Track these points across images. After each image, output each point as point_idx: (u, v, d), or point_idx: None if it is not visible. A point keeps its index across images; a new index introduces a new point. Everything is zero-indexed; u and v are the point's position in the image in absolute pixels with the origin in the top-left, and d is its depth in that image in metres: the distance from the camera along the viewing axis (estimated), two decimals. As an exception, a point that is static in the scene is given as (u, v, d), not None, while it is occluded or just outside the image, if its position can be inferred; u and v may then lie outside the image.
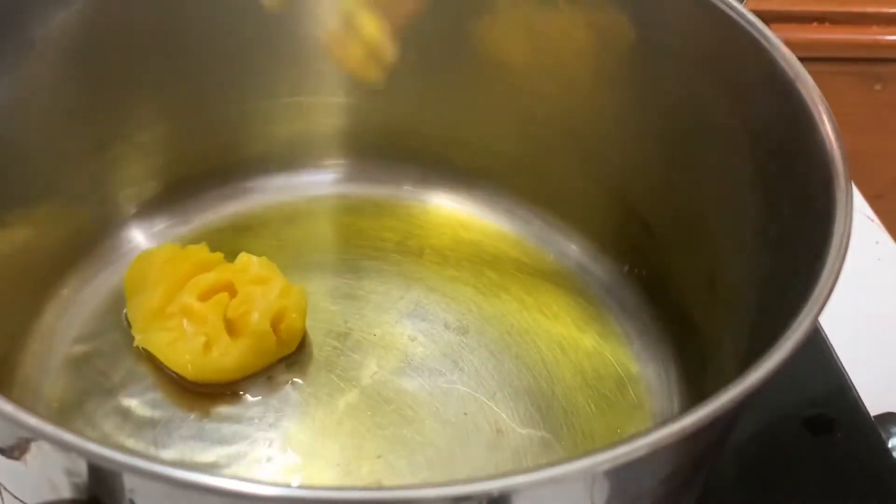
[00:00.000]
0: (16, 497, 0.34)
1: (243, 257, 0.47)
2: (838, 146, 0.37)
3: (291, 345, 0.46)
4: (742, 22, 0.42)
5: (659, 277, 0.49)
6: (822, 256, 0.34)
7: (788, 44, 0.41)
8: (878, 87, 0.85)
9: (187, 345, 0.44)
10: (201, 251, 0.48)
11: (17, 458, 0.31)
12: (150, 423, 0.44)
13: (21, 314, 0.46)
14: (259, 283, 0.46)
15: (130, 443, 0.43)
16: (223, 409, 0.45)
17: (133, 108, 0.49)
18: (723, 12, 0.42)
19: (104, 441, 0.29)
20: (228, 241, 0.52)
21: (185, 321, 0.45)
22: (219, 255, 0.48)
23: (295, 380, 0.46)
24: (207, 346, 0.44)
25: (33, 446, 0.30)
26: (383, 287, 0.51)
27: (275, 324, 0.45)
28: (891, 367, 0.52)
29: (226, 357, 0.44)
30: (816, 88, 0.39)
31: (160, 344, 0.45)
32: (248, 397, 0.45)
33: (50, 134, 0.46)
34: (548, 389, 0.47)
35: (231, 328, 0.45)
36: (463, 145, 0.54)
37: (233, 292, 0.46)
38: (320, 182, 0.55)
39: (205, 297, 0.46)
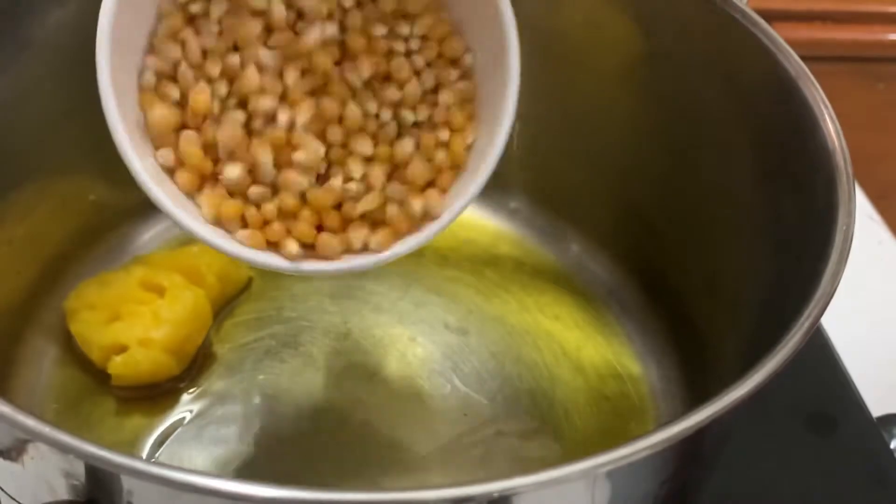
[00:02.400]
0: (13, 499, 0.34)
1: (180, 292, 0.46)
2: (840, 146, 0.37)
3: (117, 379, 0.45)
4: (744, 21, 0.41)
5: (660, 277, 0.49)
6: (825, 257, 0.33)
7: (790, 43, 0.41)
8: (880, 86, 0.85)
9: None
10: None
11: (14, 460, 0.31)
12: (148, 425, 0.44)
13: (19, 314, 0.46)
14: (147, 305, 0.46)
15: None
16: (221, 411, 0.45)
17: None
18: (725, 11, 0.42)
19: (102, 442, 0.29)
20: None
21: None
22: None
23: (294, 380, 0.46)
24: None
25: (31, 448, 0.30)
26: (383, 287, 0.51)
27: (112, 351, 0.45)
28: (893, 367, 0.52)
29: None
30: (819, 88, 0.39)
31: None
32: (247, 400, 0.45)
33: (47, 134, 0.46)
34: (548, 390, 0.47)
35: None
36: (463, 145, 0.54)
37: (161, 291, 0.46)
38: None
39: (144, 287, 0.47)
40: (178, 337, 0.45)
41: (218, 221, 0.36)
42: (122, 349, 0.44)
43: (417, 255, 0.52)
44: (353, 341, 0.48)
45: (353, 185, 0.36)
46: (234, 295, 0.49)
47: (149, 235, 0.52)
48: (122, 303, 0.46)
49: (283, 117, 0.35)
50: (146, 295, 0.46)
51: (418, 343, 0.48)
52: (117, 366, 0.44)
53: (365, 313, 0.49)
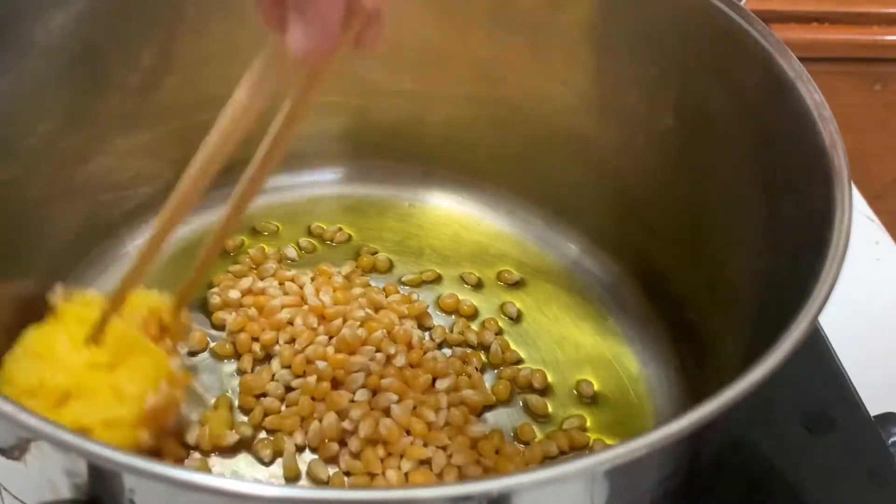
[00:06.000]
0: (16, 497, 0.34)
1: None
2: (838, 146, 0.37)
3: None
4: (742, 22, 0.42)
5: (659, 278, 0.49)
6: (822, 256, 0.34)
7: (788, 44, 0.41)
8: (877, 87, 0.85)
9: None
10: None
11: (17, 459, 0.31)
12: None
13: (23, 314, 0.46)
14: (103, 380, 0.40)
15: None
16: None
17: (131, 108, 0.49)
18: (723, 13, 0.42)
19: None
20: (228, 241, 0.52)
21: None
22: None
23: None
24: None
25: (33, 446, 0.30)
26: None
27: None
28: (890, 366, 0.52)
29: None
30: (816, 88, 0.39)
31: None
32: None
33: (48, 135, 0.46)
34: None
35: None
36: (463, 145, 0.54)
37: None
38: (320, 182, 0.55)
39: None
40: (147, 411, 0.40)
41: None
42: (84, 431, 0.38)
43: (417, 255, 0.52)
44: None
45: None
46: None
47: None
48: (72, 382, 0.39)
49: None
50: (98, 373, 0.40)
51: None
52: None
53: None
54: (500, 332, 0.49)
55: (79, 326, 0.41)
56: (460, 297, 0.50)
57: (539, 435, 0.45)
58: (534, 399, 0.46)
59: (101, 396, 0.39)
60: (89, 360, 0.40)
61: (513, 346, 0.48)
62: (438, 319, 0.49)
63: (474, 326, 0.49)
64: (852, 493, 0.44)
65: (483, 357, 0.48)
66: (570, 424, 0.45)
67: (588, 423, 0.45)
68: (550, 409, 0.46)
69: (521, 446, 0.44)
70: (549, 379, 0.47)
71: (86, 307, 0.42)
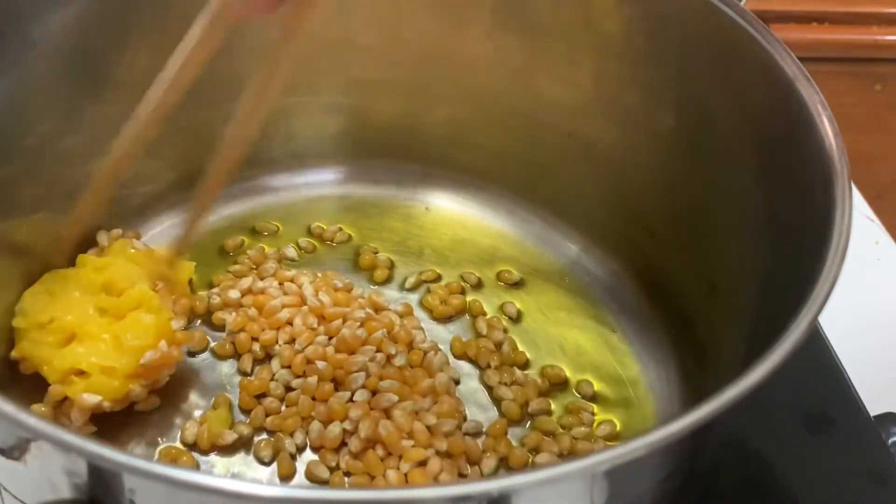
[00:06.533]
0: (16, 497, 0.34)
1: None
2: (838, 146, 0.37)
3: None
4: (742, 22, 0.42)
5: (659, 277, 0.49)
6: (822, 257, 0.34)
7: (788, 44, 0.41)
8: (877, 87, 0.85)
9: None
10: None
11: (17, 459, 0.31)
12: (150, 423, 0.44)
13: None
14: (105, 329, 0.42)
15: (131, 443, 0.43)
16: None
17: (131, 108, 0.49)
18: (723, 13, 0.42)
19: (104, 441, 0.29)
20: (228, 241, 0.52)
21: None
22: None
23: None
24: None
25: (33, 446, 0.30)
26: (383, 287, 0.51)
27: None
28: (891, 366, 0.52)
29: None
30: (816, 89, 0.39)
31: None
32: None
33: (49, 135, 0.46)
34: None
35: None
36: (463, 145, 0.54)
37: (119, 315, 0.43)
38: (321, 182, 0.55)
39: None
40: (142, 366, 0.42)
41: None
42: (82, 373, 0.42)
43: (417, 254, 0.52)
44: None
45: None
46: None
47: (151, 234, 0.52)
48: (79, 323, 0.42)
49: None
50: (103, 319, 0.43)
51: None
52: (79, 391, 0.41)
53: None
54: (506, 331, 0.49)
55: (96, 274, 0.45)
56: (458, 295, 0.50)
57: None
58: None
59: (103, 343, 0.42)
60: (98, 306, 0.43)
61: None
62: (438, 319, 0.49)
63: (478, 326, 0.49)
64: (852, 493, 0.44)
65: (495, 358, 0.47)
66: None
67: (588, 423, 0.46)
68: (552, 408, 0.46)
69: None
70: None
71: (105, 258, 0.46)
